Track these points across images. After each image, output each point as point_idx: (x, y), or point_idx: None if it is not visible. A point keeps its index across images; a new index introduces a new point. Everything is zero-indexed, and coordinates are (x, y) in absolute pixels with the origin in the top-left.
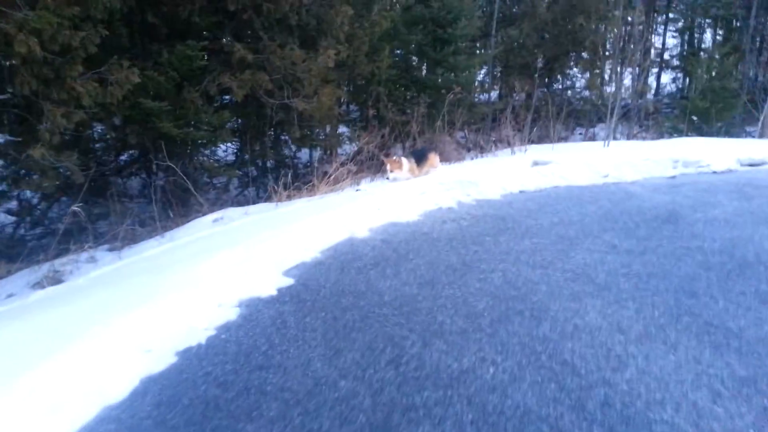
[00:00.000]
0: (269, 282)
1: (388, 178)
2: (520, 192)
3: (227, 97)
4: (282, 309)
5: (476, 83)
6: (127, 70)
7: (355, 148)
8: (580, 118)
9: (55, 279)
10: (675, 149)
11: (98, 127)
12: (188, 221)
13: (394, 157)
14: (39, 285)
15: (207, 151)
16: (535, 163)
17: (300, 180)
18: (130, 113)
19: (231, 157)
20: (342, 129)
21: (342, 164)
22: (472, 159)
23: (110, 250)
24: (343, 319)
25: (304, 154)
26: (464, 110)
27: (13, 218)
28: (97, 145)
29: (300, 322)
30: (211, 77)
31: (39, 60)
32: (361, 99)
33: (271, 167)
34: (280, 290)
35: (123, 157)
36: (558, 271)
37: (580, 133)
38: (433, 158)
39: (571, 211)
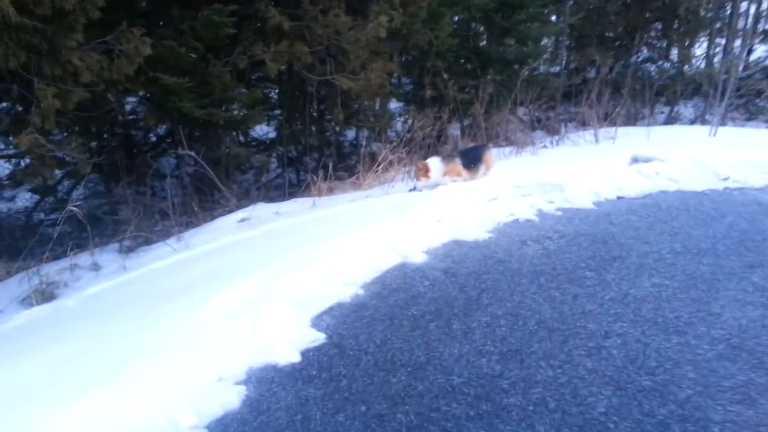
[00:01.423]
0: (292, 338)
1: (415, 188)
2: (618, 199)
3: (260, 72)
4: (305, 392)
5: (547, 55)
6: (138, 40)
7: (408, 130)
8: (662, 95)
9: (47, 294)
10: None
11: (129, 99)
12: (212, 218)
13: (425, 161)
14: (27, 301)
15: (239, 133)
16: (635, 160)
17: (344, 162)
18: (146, 91)
19: (272, 134)
20: (393, 105)
21: (392, 150)
22: (545, 146)
23: (119, 251)
24: (394, 419)
25: (350, 130)
26: (535, 87)
27: (31, 199)
28: (129, 119)
29: (330, 419)
30: (241, 48)
31: (27, 27)
32: (415, 73)
33: (313, 145)
34: (305, 355)
35: (154, 135)
36: (703, 340)
37: (662, 112)
38: (489, 158)
39: (695, 232)
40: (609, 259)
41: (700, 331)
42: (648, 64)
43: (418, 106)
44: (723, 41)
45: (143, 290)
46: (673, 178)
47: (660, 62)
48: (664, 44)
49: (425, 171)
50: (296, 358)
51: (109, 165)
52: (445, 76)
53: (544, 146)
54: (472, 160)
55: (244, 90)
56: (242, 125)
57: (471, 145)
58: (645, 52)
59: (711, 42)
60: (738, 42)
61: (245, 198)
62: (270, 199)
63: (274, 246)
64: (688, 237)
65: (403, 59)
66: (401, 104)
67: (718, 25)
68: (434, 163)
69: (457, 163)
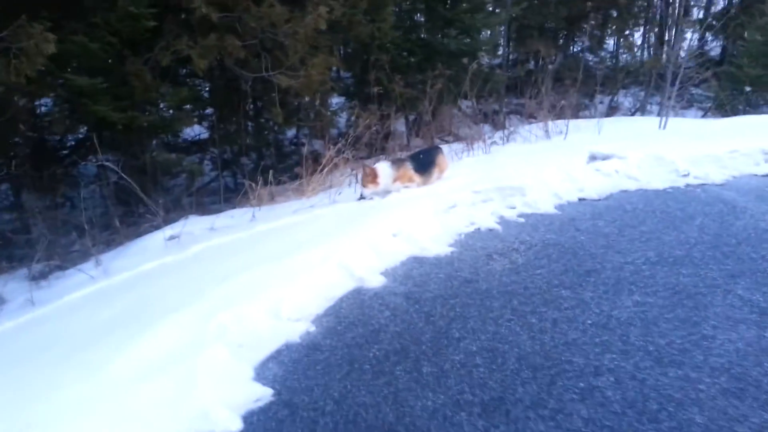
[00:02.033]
0: (231, 398)
1: (362, 197)
2: (580, 201)
3: (187, 68)
4: None
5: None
6: (39, 36)
7: (351, 127)
8: (603, 85)
9: None
10: (757, 133)
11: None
12: (138, 235)
13: (371, 166)
14: None
15: (167, 136)
16: (593, 158)
17: (285, 162)
18: (54, 94)
19: (205, 135)
20: (335, 100)
21: (336, 151)
22: (495, 142)
23: (29, 279)
24: None
25: (290, 129)
26: (479, 80)
27: None
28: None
29: None
30: (164, 43)
31: None
32: (357, 67)
33: (250, 145)
34: (248, 420)
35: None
36: (703, 372)
37: (601, 102)
38: (442, 161)
39: (666, 237)
40: (583, 273)
41: (696, 360)
42: (587, 54)
43: (361, 103)
44: (656, 31)
45: (52, 334)
46: (633, 176)
47: (600, 52)
48: (600, 34)
49: (373, 177)
50: (237, 425)
51: (21, 175)
52: (389, 70)
53: (495, 142)
54: (424, 163)
55: (170, 89)
56: (168, 128)
57: (421, 147)
58: (584, 42)
59: (646, 32)
60: (672, 31)
61: (175, 209)
62: (203, 210)
63: (207, 272)
64: (660, 243)
65: (344, 52)
66: (343, 99)
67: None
68: (383, 168)
69: (409, 168)
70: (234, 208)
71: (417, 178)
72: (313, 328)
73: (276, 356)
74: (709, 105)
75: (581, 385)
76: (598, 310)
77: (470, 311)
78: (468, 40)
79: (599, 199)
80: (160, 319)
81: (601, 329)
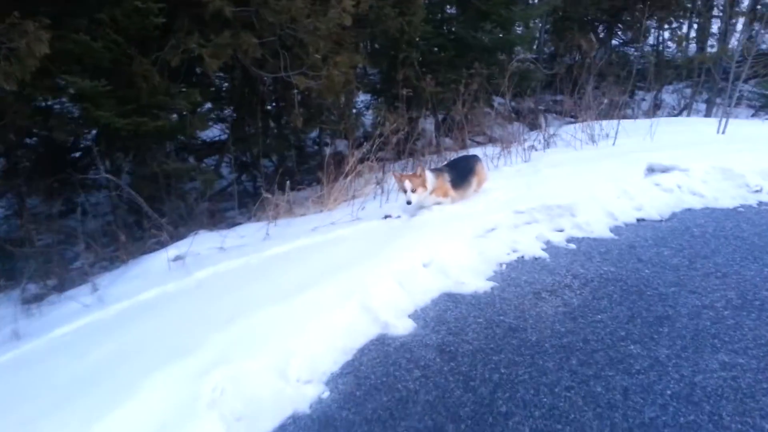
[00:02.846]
0: None
1: (409, 202)
2: (639, 222)
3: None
4: None
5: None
6: (32, 34)
7: (377, 127)
8: (644, 81)
9: None
10: None
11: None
12: (142, 253)
13: (416, 170)
14: None
15: (178, 140)
16: (651, 170)
17: (306, 164)
18: (53, 97)
19: (223, 136)
20: (361, 97)
21: (361, 159)
22: (534, 147)
23: (22, 302)
24: None
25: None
26: (515, 76)
27: None
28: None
29: None
30: (174, 41)
31: None
32: (385, 64)
33: (271, 147)
34: None
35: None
36: None
37: (644, 99)
38: (482, 172)
39: (747, 272)
40: (653, 321)
41: None
42: (628, 48)
43: (389, 102)
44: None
45: (31, 381)
46: (698, 191)
47: (642, 46)
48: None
49: (422, 181)
50: None
51: (28, 182)
52: (419, 67)
53: (533, 147)
54: (461, 175)
55: (181, 91)
56: (179, 133)
57: (457, 155)
58: (627, 35)
59: (691, 23)
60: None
61: (188, 216)
62: (218, 219)
63: (209, 308)
64: (741, 281)
65: (371, 48)
66: (369, 97)
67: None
68: (429, 174)
69: (447, 180)
70: (250, 217)
71: (453, 192)
72: (326, 394)
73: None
74: (759, 104)
75: None
76: (678, 376)
77: (519, 373)
78: (503, 34)
79: (661, 220)
80: (149, 375)
81: (684, 403)
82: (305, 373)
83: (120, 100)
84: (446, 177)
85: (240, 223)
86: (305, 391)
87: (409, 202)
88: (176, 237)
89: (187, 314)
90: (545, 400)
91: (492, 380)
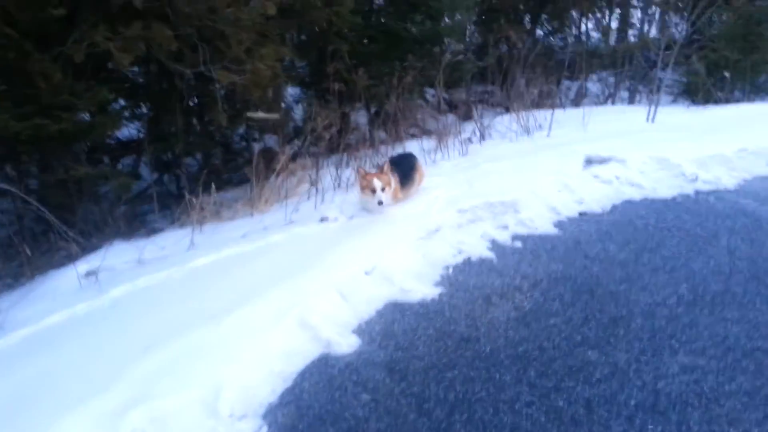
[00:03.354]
0: None
1: (381, 202)
2: (581, 216)
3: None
4: None
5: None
6: None
7: (309, 120)
8: (570, 71)
9: None
10: (756, 128)
11: None
12: (51, 267)
13: (381, 169)
14: None
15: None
16: (589, 162)
17: (234, 161)
18: None
19: (140, 133)
20: (291, 90)
21: (292, 157)
22: (470, 139)
23: None
24: None
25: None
26: (447, 68)
27: None
28: None
29: None
30: (77, 35)
31: None
32: (313, 56)
33: (194, 144)
34: None
35: None
36: None
37: (569, 88)
38: (421, 170)
39: (694, 264)
40: (608, 323)
41: None
42: (554, 38)
43: (319, 96)
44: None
45: None
46: (636, 182)
47: (566, 36)
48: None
49: (388, 180)
50: None
51: None
52: (349, 60)
53: (470, 140)
54: (405, 173)
55: (91, 87)
56: (87, 135)
57: (393, 150)
58: (552, 26)
59: (611, 13)
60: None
61: (101, 228)
62: (137, 225)
63: (125, 333)
64: (690, 274)
65: (297, 40)
66: (298, 90)
67: None
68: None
69: (395, 180)
70: (173, 222)
71: (400, 193)
72: (264, 429)
73: None
74: (678, 90)
75: None
76: (640, 383)
77: (475, 390)
78: (432, 25)
79: (603, 213)
80: (55, 421)
81: (651, 413)
82: (239, 406)
83: (17, 102)
84: (395, 176)
85: (162, 230)
86: (240, 427)
87: (380, 203)
88: (88, 249)
89: (101, 342)
90: (506, 419)
91: (447, 400)
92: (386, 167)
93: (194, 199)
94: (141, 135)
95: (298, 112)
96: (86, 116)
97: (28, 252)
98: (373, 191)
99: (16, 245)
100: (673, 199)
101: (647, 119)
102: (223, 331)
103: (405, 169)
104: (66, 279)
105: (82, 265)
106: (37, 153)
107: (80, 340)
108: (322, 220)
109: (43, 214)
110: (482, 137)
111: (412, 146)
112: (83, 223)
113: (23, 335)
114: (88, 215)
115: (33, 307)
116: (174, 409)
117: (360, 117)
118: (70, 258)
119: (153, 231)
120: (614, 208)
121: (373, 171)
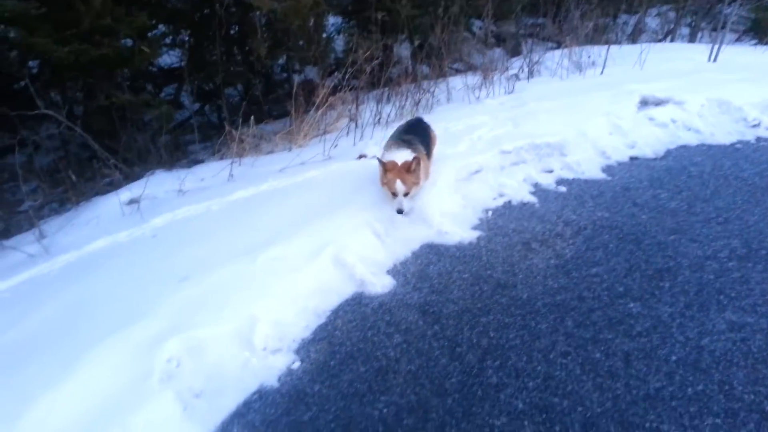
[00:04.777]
0: None
1: (400, 211)
2: (632, 160)
3: None
4: None
5: None
6: None
7: (351, 52)
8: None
9: None
10: None
11: None
12: (95, 194)
13: (411, 162)
14: None
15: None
16: (644, 103)
17: (275, 93)
18: None
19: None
20: (332, 20)
21: (332, 90)
22: (516, 75)
23: None
24: None
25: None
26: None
27: None
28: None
29: None
30: None
31: None
32: None
33: (235, 74)
34: None
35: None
36: None
37: (626, 23)
38: (435, 136)
39: (750, 217)
40: (653, 275)
41: None
42: None
43: (361, 26)
44: None
45: None
46: (693, 126)
47: None
48: None
49: (416, 173)
50: None
51: None
52: None
53: (516, 77)
54: (426, 145)
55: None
56: (128, 62)
57: (435, 84)
58: None
59: None
60: None
61: (144, 156)
62: (179, 154)
63: (164, 262)
64: (744, 227)
65: None
66: (339, 20)
67: None
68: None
69: (424, 154)
70: (213, 153)
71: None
72: (297, 364)
73: (244, 413)
74: (744, 27)
75: None
76: (683, 338)
77: (509, 338)
78: None
79: (655, 158)
80: (94, 345)
81: (691, 371)
82: (273, 340)
83: (57, 26)
84: (422, 149)
85: (202, 161)
86: (273, 361)
87: (400, 211)
88: (131, 177)
89: (140, 270)
90: (539, 368)
91: (480, 346)
92: (414, 164)
93: (234, 131)
94: (182, 64)
95: (339, 44)
96: (128, 42)
97: (73, 178)
98: (394, 195)
99: (61, 171)
100: (732, 145)
101: (709, 59)
102: (258, 267)
103: (424, 139)
104: (109, 206)
105: (125, 193)
106: (80, 79)
107: (121, 268)
108: (360, 157)
109: (87, 141)
110: (530, 74)
111: (455, 82)
112: (126, 151)
113: (67, 260)
114: (131, 143)
115: (77, 233)
116: (209, 339)
117: (403, 50)
118: (113, 185)
119: (194, 162)
120: (668, 153)
121: (402, 147)
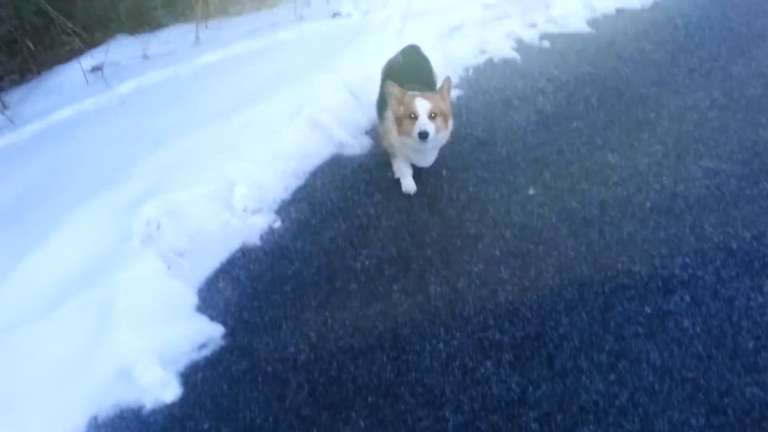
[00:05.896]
0: (164, 342)
1: (425, 134)
2: (618, 12)
3: None
4: None
5: None
6: None
7: None
8: None
9: None
10: None
11: None
12: (55, 63)
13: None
14: None
15: None
16: None
17: None
18: None
19: None
20: None
21: None
22: None
23: None
24: None
25: None
26: None
27: None
28: None
29: None
30: None
31: None
32: None
33: None
34: (188, 381)
35: None
36: None
37: None
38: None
39: (733, 67)
40: (633, 126)
41: None
42: None
43: None
44: None
45: None
46: None
47: None
48: None
49: (444, 102)
50: (173, 392)
51: None
52: None
53: None
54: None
55: None
56: None
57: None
58: None
59: None
60: None
61: (104, 21)
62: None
63: (135, 128)
64: (727, 77)
65: None
66: None
67: None
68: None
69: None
70: (177, 17)
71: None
72: (278, 224)
73: (228, 269)
74: None
75: (647, 311)
76: (659, 186)
77: (489, 191)
78: None
79: (642, 10)
80: (72, 209)
81: (665, 216)
82: (252, 201)
83: None
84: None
85: (166, 25)
86: (254, 221)
87: (423, 135)
88: (92, 44)
89: (111, 137)
90: (516, 218)
91: (460, 200)
92: (447, 86)
93: None
94: None
95: None
96: None
97: (31, 47)
98: (415, 116)
99: (18, 41)
100: None
101: None
102: (233, 129)
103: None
104: (72, 74)
105: (87, 60)
106: None
107: (90, 136)
108: (335, 15)
109: (43, 6)
110: None
111: None
112: (85, 17)
113: (33, 130)
114: (90, 9)
115: (41, 103)
116: (188, 202)
117: None
118: (74, 53)
119: (157, 26)
120: (655, 4)
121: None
